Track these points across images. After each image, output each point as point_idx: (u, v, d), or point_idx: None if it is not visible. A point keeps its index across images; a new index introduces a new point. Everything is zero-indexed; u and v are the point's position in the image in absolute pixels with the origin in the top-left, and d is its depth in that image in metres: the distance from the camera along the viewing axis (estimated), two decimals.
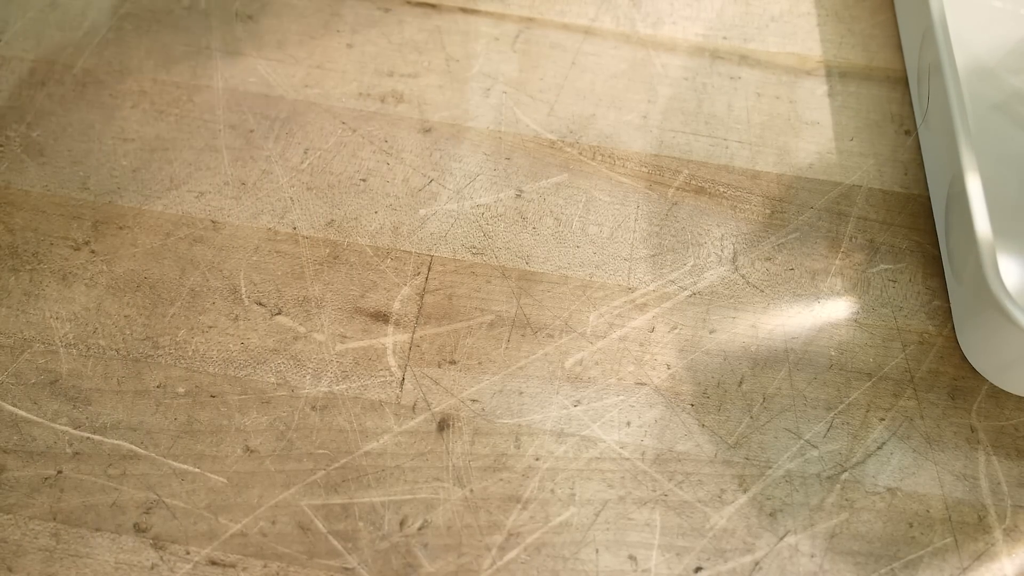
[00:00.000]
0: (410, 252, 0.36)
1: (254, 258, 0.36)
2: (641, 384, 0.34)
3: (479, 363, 0.34)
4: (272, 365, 0.34)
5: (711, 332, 0.35)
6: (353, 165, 0.38)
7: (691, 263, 0.37)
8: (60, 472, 0.31)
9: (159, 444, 0.32)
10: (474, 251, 0.36)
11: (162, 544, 0.30)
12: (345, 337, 0.34)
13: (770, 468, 0.32)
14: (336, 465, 0.32)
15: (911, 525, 0.31)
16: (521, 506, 0.31)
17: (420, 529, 0.31)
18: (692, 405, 0.33)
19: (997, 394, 0.34)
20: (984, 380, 0.34)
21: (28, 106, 0.40)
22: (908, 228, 0.38)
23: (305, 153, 0.39)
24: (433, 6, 0.43)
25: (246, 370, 0.33)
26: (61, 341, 0.34)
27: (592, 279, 0.36)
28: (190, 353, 0.34)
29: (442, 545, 0.31)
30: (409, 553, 0.30)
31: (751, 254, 0.37)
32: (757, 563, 0.31)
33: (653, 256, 0.37)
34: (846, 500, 0.32)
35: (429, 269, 0.36)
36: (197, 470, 0.32)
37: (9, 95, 0.40)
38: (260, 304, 0.35)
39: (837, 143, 0.40)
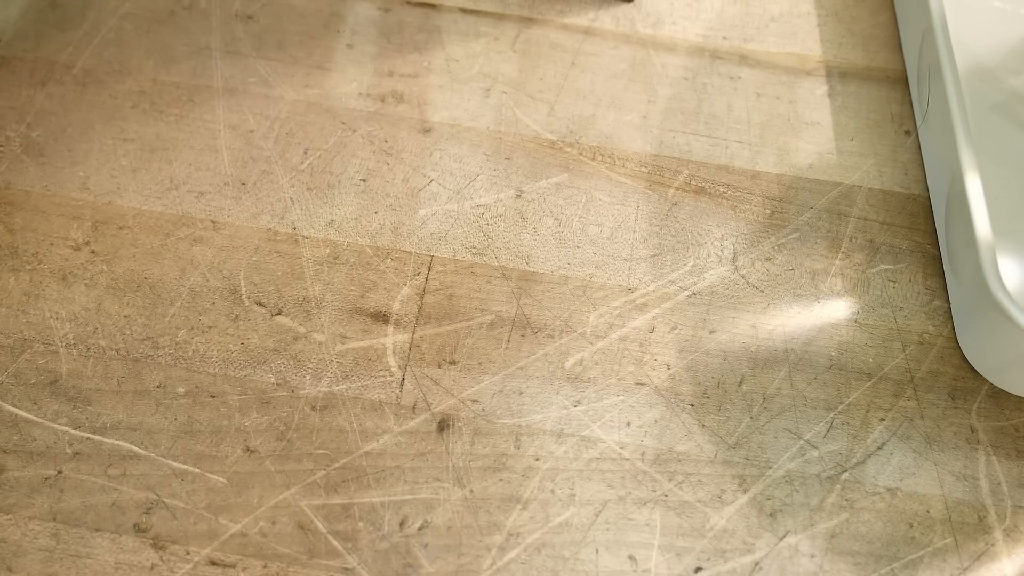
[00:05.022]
0: (410, 252, 0.36)
1: (254, 258, 0.36)
2: (641, 384, 0.34)
3: (479, 363, 0.34)
4: (272, 365, 0.34)
5: (711, 332, 0.35)
6: (353, 165, 0.38)
7: (691, 263, 0.37)
8: (60, 472, 0.31)
9: (159, 444, 0.32)
10: (474, 251, 0.36)
11: (162, 544, 0.30)
12: (345, 337, 0.34)
13: (770, 468, 0.32)
14: (336, 465, 0.32)
15: (911, 525, 0.32)
16: (521, 506, 0.31)
17: (420, 529, 0.31)
18: (692, 405, 0.33)
19: (997, 394, 0.34)
20: (984, 380, 0.34)
21: (28, 106, 0.40)
22: (908, 228, 0.38)
23: (305, 153, 0.39)
24: (433, 6, 0.43)
25: (246, 370, 0.33)
26: (61, 341, 0.34)
27: (592, 279, 0.36)
28: (190, 353, 0.34)
29: (442, 545, 0.31)
30: (409, 553, 0.30)
31: (751, 254, 0.37)
32: (757, 563, 0.31)
33: (653, 256, 0.37)
34: (846, 500, 0.32)
35: (429, 269, 0.36)
36: (197, 470, 0.32)
37: (9, 95, 0.40)
38: (260, 304, 0.35)
39: (837, 143, 0.40)
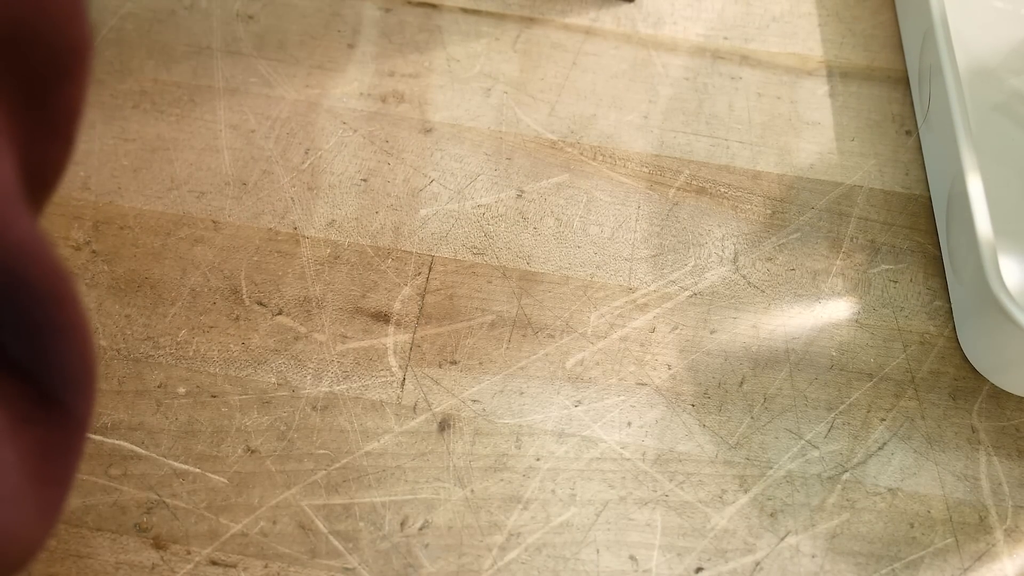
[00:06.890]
0: (411, 252, 0.36)
1: (255, 258, 0.36)
2: (642, 384, 0.34)
3: (480, 363, 0.34)
4: (273, 365, 0.34)
5: (712, 332, 0.35)
6: (354, 165, 0.38)
7: (692, 263, 0.37)
8: None
9: (160, 444, 0.32)
10: (475, 251, 0.36)
11: (163, 544, 0.30)
12: (346, 337, 0.34)
13: (771, 468, 0.32)
14: (337, 465, 0.32)
15: (912, 525, 0.31)
16: (522, 506, 0.31)
17: (421, 529, 0.31)
18: (693, 405, 0.33)
19: (998, 394, 0.34)
20: (985, 380, 0.34)
21: None
22: (909, 228, 0.38)
23: (306, 153, 0.39)
24: (434, 6, 0.43)
25: (247, 370, 0.33)
26: None
27: (593, 279, 0.36)
28: (191, 353, 0.34)
29: (443, 545, 0.31)
30: (410, 553, 0.30)
31: (752, 254, 0.37)
32: (758, 563, 0.31)
33: (654, 256, 0.37)
34: (847, 500, 0.32)
35: (430, 269, 0.36)
36: (198, 470, 0.32)
37: None
38: (261, 304, 0.35)
39: (838, 143, 0.40)
